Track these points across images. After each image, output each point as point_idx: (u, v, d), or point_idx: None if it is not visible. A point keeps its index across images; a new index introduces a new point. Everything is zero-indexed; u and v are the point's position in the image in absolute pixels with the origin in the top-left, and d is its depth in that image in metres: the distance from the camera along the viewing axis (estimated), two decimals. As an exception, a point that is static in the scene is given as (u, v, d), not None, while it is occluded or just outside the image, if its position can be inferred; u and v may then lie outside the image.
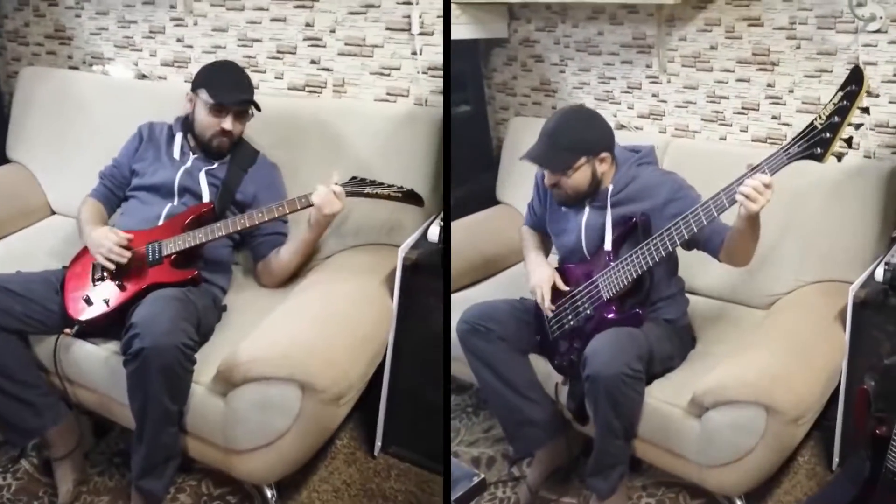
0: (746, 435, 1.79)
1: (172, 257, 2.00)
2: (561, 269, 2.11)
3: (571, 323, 2.03)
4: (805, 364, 1.89)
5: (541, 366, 2.13)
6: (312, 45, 2.49)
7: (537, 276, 2.10)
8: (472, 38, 2.89)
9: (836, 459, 2.06)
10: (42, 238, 2.54)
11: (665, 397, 1.93)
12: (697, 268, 2.20)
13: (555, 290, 2.06)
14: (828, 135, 1.62)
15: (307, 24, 2.47)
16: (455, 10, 2.70)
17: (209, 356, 1.86)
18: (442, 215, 2.08)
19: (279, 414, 1.76)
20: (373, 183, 2.02)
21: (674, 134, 2.69)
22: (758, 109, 2.47)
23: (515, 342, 2.10)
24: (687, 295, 2.16)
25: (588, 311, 2.00)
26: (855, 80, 1.61)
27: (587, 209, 2.03)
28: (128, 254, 1.97)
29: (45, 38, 2.93)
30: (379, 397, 2.15)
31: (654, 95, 2.72)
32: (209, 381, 1.83)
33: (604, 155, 1.96)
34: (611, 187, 1.98)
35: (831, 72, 2.27)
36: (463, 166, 2.73)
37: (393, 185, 2.02)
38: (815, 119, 1.64)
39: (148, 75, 2.75)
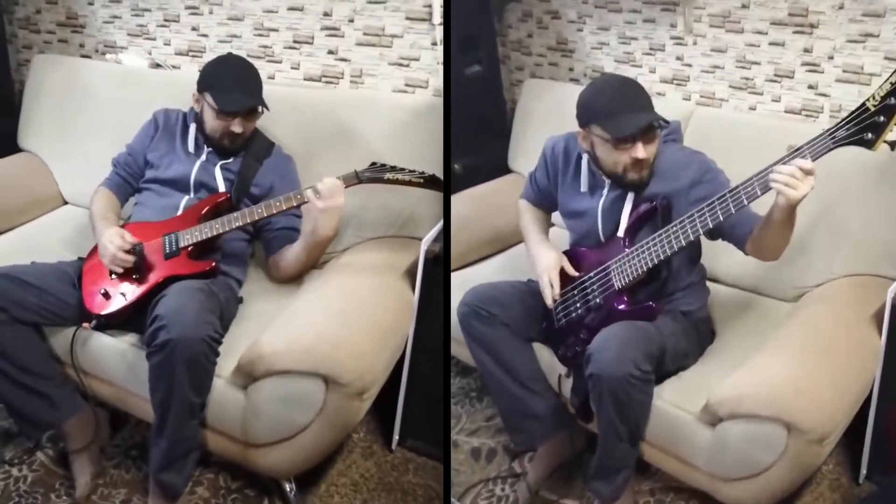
0: (764, 451, 1.64)
1: (189, 249, 1.97)
2: (571, 253, 1.98)
3: (579, 311, 1.91)
4: (833, 374, 1.71)
5: (545, 356, 2.02)
6: (330, 35, 2.46)
7: (544, 261, 1.97)
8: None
9: (863, 472, 1.94)
10: (55, 228, 2.52)
11: (676, 400, 1.80)
12: (720, 254, 2.05)
13: (563, 276, 1.94)
14: (881, 118, 1.45)
15: (325, 14, 2.45)
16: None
17: (228, 348, 1.84)
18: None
19: (301, 408, 1.74)
20: (393, 169, 2.00)
21: (699, 101, 2.48)
22: (792, 77, 2.24)
23: (519, 329, 1.99)
24: (708, 283, 2.02)
25: (598, 300, 1.87)
26: None
27: (606, 190, 1.89)
28: (131, 259, 1.94)
29: (57, 26, 2.90)
30: (396, 390, 2.12)
31: (678, 58, 2.51)
32: (229, 373, 1.81)
33: None
34: None
35: (878, 36, 2.03)
36: (473, 131, 2.47)
37: (414, 171, 1.99)
38: (868, 100, 1.48)
39: (162, 64, 2.72)
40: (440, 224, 2.10)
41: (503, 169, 2.81)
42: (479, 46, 2.82)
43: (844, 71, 2.13)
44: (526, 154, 2.71)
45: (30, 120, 2.78)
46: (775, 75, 2.29)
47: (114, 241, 1.94)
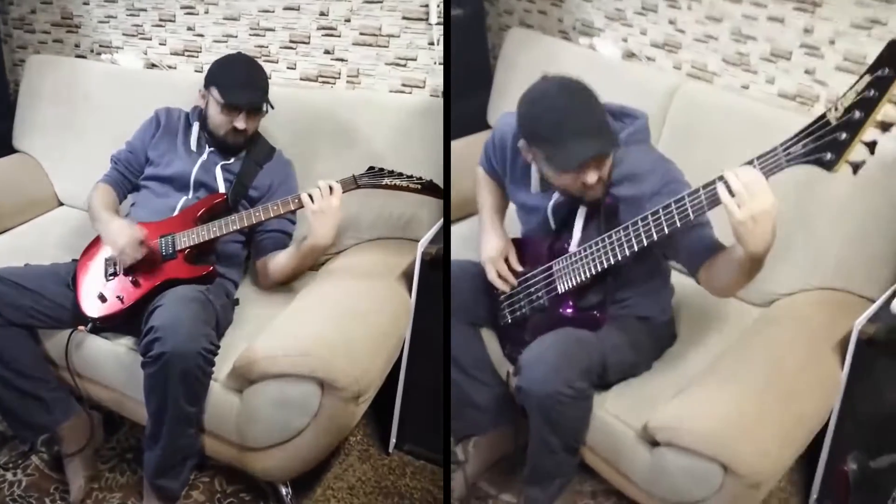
0: (698, 486, 1.54)
1: (186, 251, 1.96)
2: (520, 243, 1.88)
3: (524, 310, 1.82)
4: (784, 416, 1.57)
5: (495, 344, 1.95)
6: (326, 35, 2.44)
7: (488, 250, 1.85)
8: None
9: (814, 496, 1.84)
10: (50, 230, 2.51)
11: (619, 413, 1.71)
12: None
13: (509, 268, 1.84)
14: (844, 135, 1.21)
15: (321, 14, 2.43)
16: None
17: (224, 351, 1.82)
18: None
19: (297, 412, 1.73)
20: (391, 174, 1.98)
21: (689, 72, 2.30)
22: (789, 59, 2.05)
23: (465, 313, 1.88)
24: (676, 275, 1.87)
25: (542, 302, 1.78)
26: (889, 62, 1.17)
27: (556, 193, 1.75)
28: (144, 250, 1.93)
29: (52, 26, 2.89)
30: (393, 394, 2.11)
31: (671, 22, 2.33)
32: (224, 376, 1.80)
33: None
34: None
35: (886, 24, 1.83)
36: (454, 81, 2.23)
37: (412, 177, 1.97)
38: (829, 111, 1.22)
39: (158, 64, 2.71)
40: (437, 226, 2.09)
41: (482, 123, 2.60)
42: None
43: (845, 59, 1.95)
44: (507, 109, 2.42)
45: (25, 121, 2.77)
46: (771, 54, 2.12)
47: (125, 233, 1.92)
